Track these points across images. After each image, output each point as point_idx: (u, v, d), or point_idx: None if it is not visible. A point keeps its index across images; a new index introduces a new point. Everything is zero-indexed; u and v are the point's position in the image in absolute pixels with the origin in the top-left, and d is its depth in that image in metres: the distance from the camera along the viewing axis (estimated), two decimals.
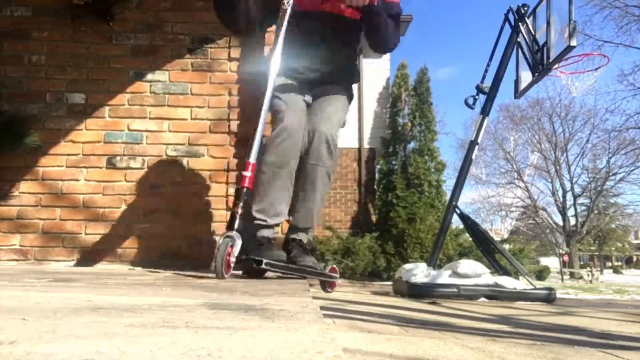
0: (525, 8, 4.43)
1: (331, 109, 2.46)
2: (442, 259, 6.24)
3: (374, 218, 9.48)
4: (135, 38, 3.46)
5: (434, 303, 3.20)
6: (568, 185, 29.43)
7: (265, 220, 2.27)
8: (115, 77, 3.42)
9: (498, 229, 33.67)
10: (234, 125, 3.37)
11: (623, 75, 22.52)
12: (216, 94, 3.41)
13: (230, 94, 3.41)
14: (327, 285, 2.70)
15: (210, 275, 2.52)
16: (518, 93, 4.91)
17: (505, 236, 27.82)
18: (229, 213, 3.28)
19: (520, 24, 4.41)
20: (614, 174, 28.33)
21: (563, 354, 1.53)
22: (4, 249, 3.21)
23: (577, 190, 29.55)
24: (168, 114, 3.38)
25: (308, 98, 2.50)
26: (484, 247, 4.36)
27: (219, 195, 3.30)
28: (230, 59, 3.45)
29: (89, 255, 3.22)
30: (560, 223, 29.50)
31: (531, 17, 4.49)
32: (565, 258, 27.59)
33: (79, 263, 3.21)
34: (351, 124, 9.75)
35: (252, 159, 2.06)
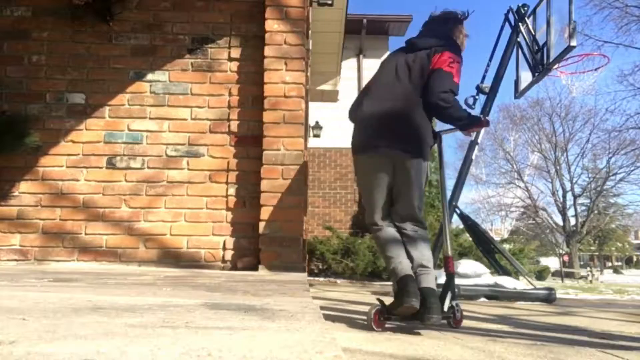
0: (525, 8, 4.43)
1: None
2: (442, 259, 6.23)
3: None
4: (135, 38, 3.46)
5: None
6: (568, 185, 29.37)
7: None
8: (115, 77, 3.41)
9: (498, 229, 33.61)
10: (234, 125, 3.37)
11: (623, 75, 22.42)
12: (216, 94, 3.41)
13: (230, 94, 3.40)
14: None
15: (209, 275, 2.52)
16: (518, 93, 4.91)
17: (505, 236, 27.75)
18: (229, 213, 3.29)
19: (520, 24, 4.41)
20: (614, 174, 28.27)
21: (563, 354, 1.53)
22: (4, 249, 3.21)
23: (577, 190, 29.48)
24: (168, 114, 3.38)
25: None
26: (484, 247, 4.36)
27: (219, 196, 3.30)
28: (230, 59, 3.45)
29: (89, 255, 3.23)
30: (560, 223, 29.43)
31: (531, 17, 4.49)
32: (565, 258, 27.54)
33: (79, 263, 3.21)
34: (351, 124, 9.64)
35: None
